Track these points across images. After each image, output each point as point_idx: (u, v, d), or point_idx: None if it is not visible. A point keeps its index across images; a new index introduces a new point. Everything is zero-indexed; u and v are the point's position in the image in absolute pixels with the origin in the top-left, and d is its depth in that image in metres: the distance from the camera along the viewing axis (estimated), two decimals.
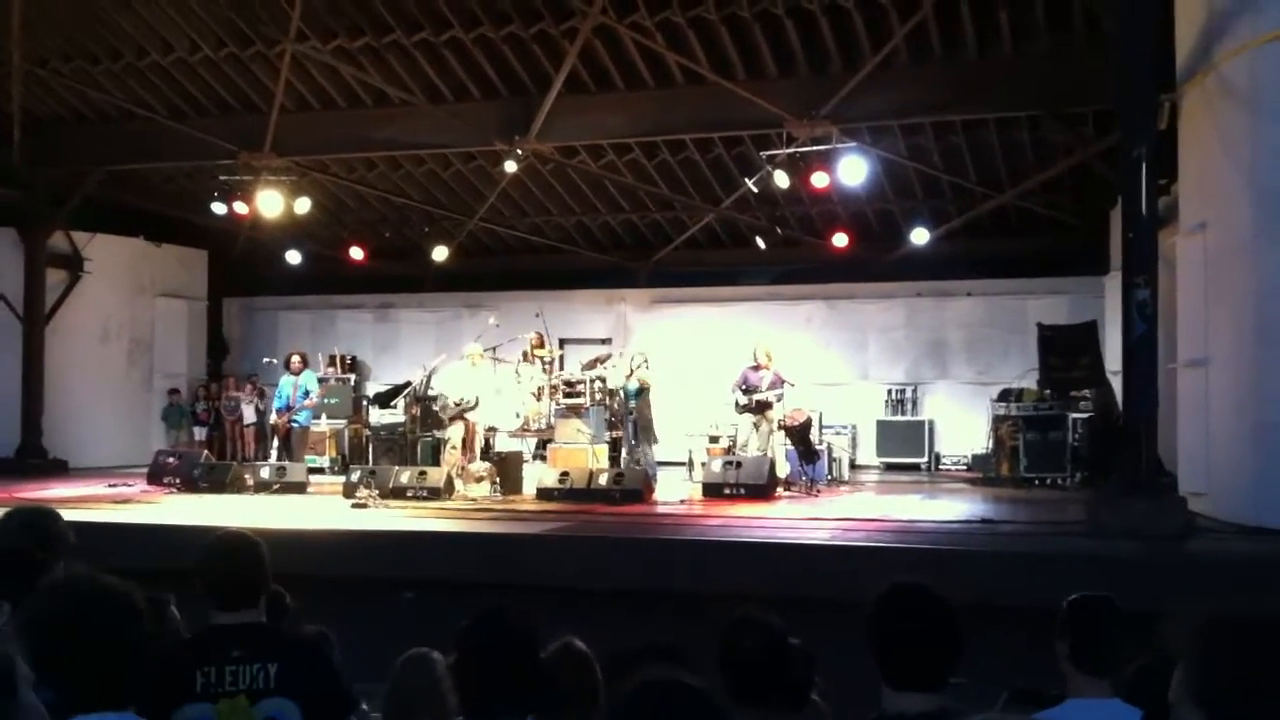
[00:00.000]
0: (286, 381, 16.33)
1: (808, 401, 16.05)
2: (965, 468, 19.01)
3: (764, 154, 15.76)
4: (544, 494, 13.69)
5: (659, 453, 16.04)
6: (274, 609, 4.58)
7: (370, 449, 17.25)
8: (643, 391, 15.54)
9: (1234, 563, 8.73)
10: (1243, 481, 10.38)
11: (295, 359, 16.49)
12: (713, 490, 13.95)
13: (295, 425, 16.19)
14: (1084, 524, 10.35)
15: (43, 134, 18.33)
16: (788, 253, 20.27)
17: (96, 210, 20.05)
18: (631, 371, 15.68)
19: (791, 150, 15.27)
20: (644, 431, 15.66)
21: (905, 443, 20.02)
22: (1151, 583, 8.41)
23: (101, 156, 18.65)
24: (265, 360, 16.77)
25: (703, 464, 15.14)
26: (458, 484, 14.15)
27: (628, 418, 15.66)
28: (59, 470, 18.59)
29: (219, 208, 18.45)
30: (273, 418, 16.67)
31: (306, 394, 16.10)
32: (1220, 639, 1.72)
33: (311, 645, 3.98)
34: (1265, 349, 10.22)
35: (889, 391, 20.58)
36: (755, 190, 16.67)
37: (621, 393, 15.70)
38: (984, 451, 17.80)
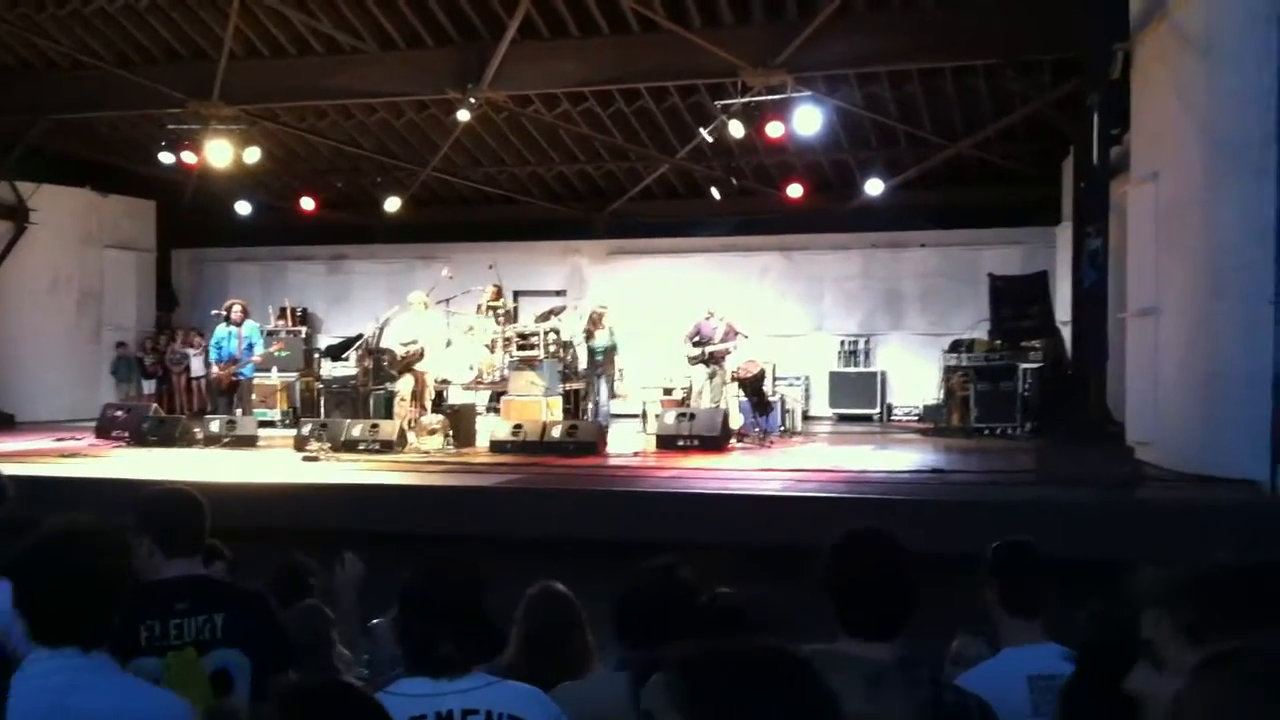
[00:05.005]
0: (226, 333, 15.64)
1: (761, 353, 16.07)
2: (917, 418, 19.12)
3: (719, 103, 15.68)
4: (497, 447, 13.65)
5: (613, 405, 16.09)
6: (210, 561, 4.56)
7: (322, 402, 17.10)
8: (614, 347, 15.67)
9: (1181, 510, 8.81)
10: (1191, 430, 10.47)
11: (236, 309, 15.71)
12: (666, 442, 13.95)
13: (240, 378, 15.78)
14: (1034, 473, 10.43)
15: None
16: (744, 204, 20.22)
17: (42, 160, 19.71)
18: (596, 325, 15.71)
19: (747, 100, 15.19)
20: (609, 384, 15.73)
21: (857, 394, 20.11)
22: (1101, 530, 8.50)
23: (47, 105, 18.24)
24: (214, 313, 16.45)
25: (656, 416, 15.14)
26: (410, 437, 14.08)
27: (595, 373, 15.69)
28: (6, 424, 18.35)
29: (167, 157, 18.17)
30: (213, 369, 16.08)
31: (251, 347, 15.65)
32: (1212, 584, 1.84)
33: (256, 596, 3.95)
34: (1216, 299, 10.27)
35: (842, 343, 20.65)
36: (710, 140, 16.60)
37: (587, 348, 15.75)
38: (935, 402, 17.90)
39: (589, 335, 15.89)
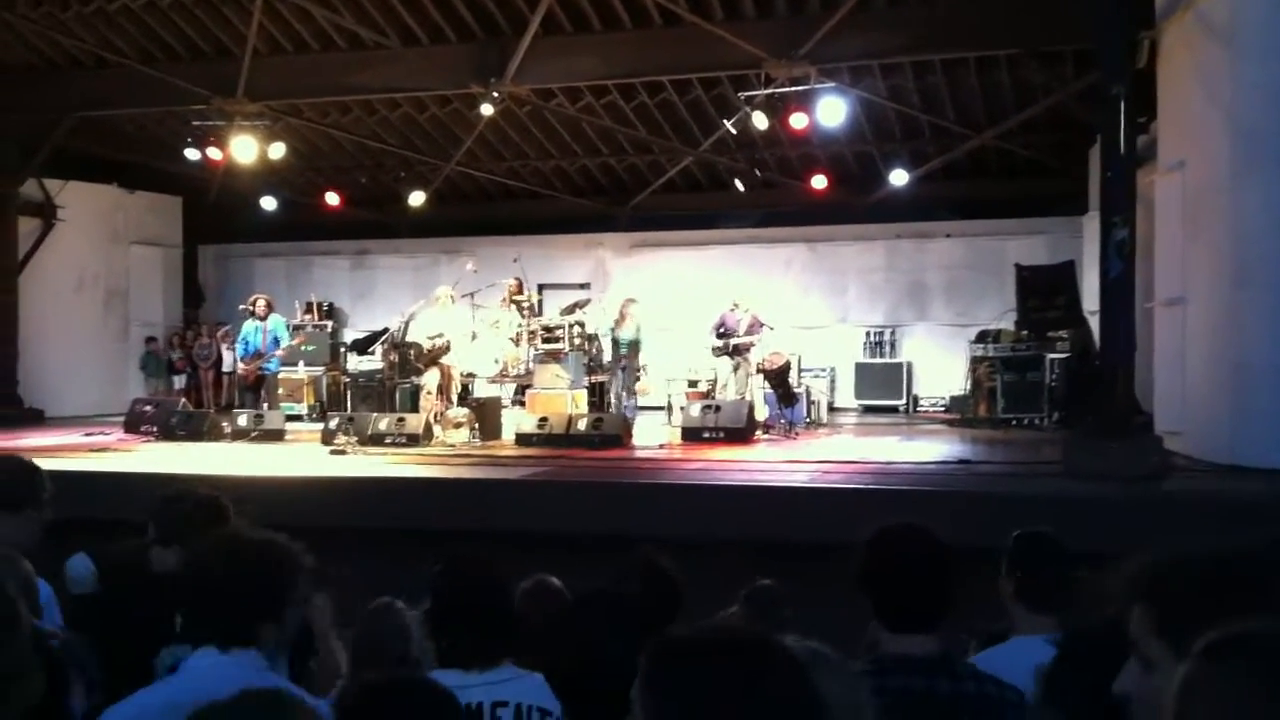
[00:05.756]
0: (252, 327, 15.76)
1: (786, 344, 16.05)
2: (943, 409, 19.07)
3: (742, 95, 15.65)
4: (523, 439, 13.67)
5: (637, 398, 16.11)
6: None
7: (348, 396, 17.18)
8: (638, 341, 15.68)
9: (1210, 502, 8.77)
10: (1219, 421, 10.42)
11: (261, 303, 15.85)
12: (692, 434, 13.96)
13: (266, 372, 15.85)
14: (1061, 464, 10.39)
15: (12, 81, 18.09)
16: (767, 196, 20.21)
17: (69, 157, 19.79)
18: (624, 317, 15.72)
19: (770, 91, 15.17)
20: (631, 377, 15.74)
21: (883, 385, 20.07)
22: (1128, 522, 8.47)
23: (72, 103, 18.34)
24: (241, 308, 16.53)
25: (681, 408, 15.15)
26: (436, 430, 14.12)
27: (618, 365, 15.71)
28: (35, 420, 18.48)
29: (192, 154, 18.26)
30: (239, 365, 16.19)
31: (276, 341, 15.70)
32: (1176, 577, 1.83)
33: None
34: (1243, 288, 10.23)
35: (867, 334, 20.61)
36: (734, 132, 16.58)
37: (612, 339, 15.76)
38: (962, 393, 17.83)
39: (617, 324, 15.92)
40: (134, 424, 15.55)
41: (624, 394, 15.62)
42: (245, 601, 2.87)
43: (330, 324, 21.44)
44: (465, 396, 15.27)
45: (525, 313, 15.89)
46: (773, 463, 11.93)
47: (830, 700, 1.88)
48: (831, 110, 15.38)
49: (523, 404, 15.62)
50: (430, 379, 14.62)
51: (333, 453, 13.08)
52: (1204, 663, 1.52)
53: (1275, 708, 1.44)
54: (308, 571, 3.01)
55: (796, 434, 15.04)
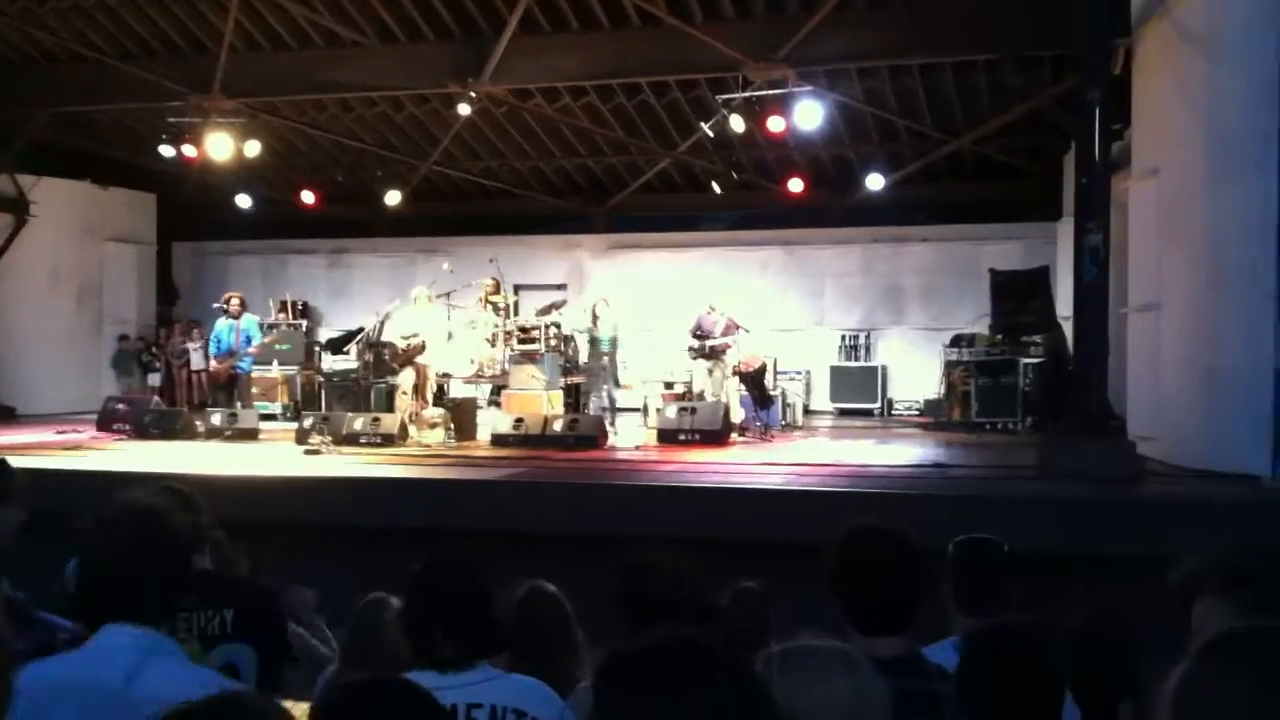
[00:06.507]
0: (225, 325, 15.52)
1: (762, 347, 16.07)
2: (918, 413, 19.12)
3: (720, 98, 15.68)
4: (498, 440, 13.66)
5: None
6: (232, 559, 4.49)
7: (323, 395, 17.10)
8: (615, 340, 15.67)
9: (1184, 506, 8.82)
10: (1192, 425, 10.48)
11: (234, 302, 15.59)
12: (667, 436, 13.96)
13: (240, 371, 15.69)
14: (1035, 468, 10.44)
15: None
16: (744, 198, 20.25)
17: (42, 153, 19.70)
18: (596, 317, 15.70)
19: (748, 94, 15.19)
20: (611, 378, 15.73)
21: (858, 388, 20.10)
22: (1102, 525, 8.51)
23: (48, 98, 18.24)
24: (215, 306, 16.41)
25: (657, 410, 15.16)
26: (411, 430, 14.09)
27: (600, 366, 15.68)
28: (7, 417, 18.35)
29: (167, 151, 18.11)
30: (211, 363, 16.01)
31: (249, 340, 15.52)
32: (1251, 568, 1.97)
33: (267, 593, 3.97)
34: (1218, 293, 10.29)
35: (843, 337, 20.64)
36: (711, 135, 16.62)
37: (591, 339, 15.72)
38: (936, 397, 17.89)
39: (593, 324, 15.91)
40: (107, 422, 15.45)
41: (610, 387, 15.62)
42: (141, 573, 2.81)
43: (304, 323, 21.35)
44: (441, 397, 15.24)
45: (501, 313, 15.87)
46: (748, 465, 11.94)
47: (846, 697, 1.87)
48: (808, 113, 15.41)
49: (498, 405, 15.61)
50: (405, 379, 14.59)
51: (307, 452, 13.03)
52: (1201, 661, 1.53)
53: (1270, 706, 1.46)
54: (194, 530, 2.96)
55: (772, 436, 15.08)
